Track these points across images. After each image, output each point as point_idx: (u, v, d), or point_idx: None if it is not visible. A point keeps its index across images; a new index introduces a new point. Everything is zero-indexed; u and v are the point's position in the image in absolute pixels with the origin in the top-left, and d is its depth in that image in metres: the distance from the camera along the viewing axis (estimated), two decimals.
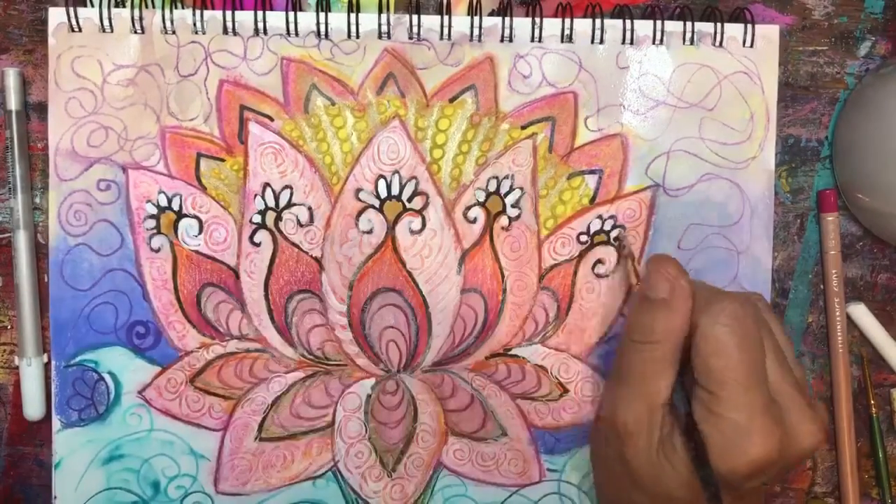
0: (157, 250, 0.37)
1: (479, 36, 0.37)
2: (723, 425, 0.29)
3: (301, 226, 0.37)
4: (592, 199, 0.38)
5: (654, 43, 0.37)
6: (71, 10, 0.36)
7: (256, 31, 0.37)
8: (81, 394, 0.37)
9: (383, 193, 0.38)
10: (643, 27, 0.37)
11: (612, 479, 0.34)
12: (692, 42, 0.37)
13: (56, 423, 0.38)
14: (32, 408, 0.38)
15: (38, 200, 0.38)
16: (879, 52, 0.39)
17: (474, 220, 0.38)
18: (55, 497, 0.38)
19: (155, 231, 0.37)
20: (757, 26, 0.37)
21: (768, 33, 0.38)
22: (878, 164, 0.36)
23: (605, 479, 0.35)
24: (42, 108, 0.37)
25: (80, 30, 0.36)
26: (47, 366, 0.38)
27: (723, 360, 0.30)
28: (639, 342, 0.32)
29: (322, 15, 0.37)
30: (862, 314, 0.40)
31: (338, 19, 0.37)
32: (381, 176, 0.38)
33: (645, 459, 0.31)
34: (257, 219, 0.37)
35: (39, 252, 0.38)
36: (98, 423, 0.38)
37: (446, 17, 0.37)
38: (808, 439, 0.30)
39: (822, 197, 0.39)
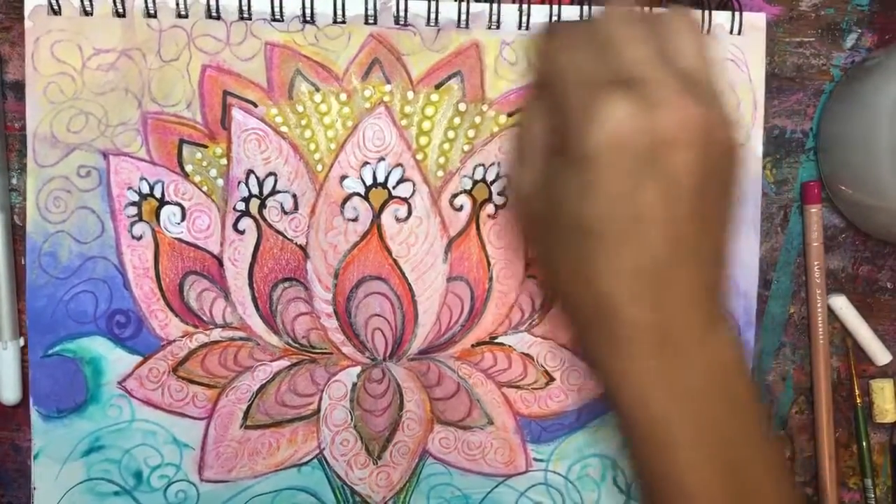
0: (139, 238, 0.34)
1: (466, 22, 0.34)
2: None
3: (285, 213, 0.34)
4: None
5: None
6: None
7: (240, 15, 0.33)
8: (60, 384, 0.34)
9: (369, 181, 0.34)
10: None
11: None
12: None
13: (34, 413, 0.34)
14: (8, 392, 0.34)
15: (14, 182, 0.35)
16: (865, 45, 0.37)
17: (461, 208, 0.35)
18: (34, 488, 0.34)
19: (137, 218, 0.34)
20: (744, 14, 0.35)
21: (755, 21, 0.35)
22: (861, 157, 0.34)
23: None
24: (18, 88, 0.34)
25: (59, 12, 0.33)
26: (24, 349, 0.35)
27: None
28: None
29: None
30: (843, 306, 0.38)
31: (323, 4, 0.34)
32: (367, 163, 0.34)
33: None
34: (241, 206, 0.34)
35: (15, 234, 0.34)
36: (77, 414, 0.34)
37: (433, 3, 0.34)
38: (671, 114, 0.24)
39: (806, 189, 0.37)
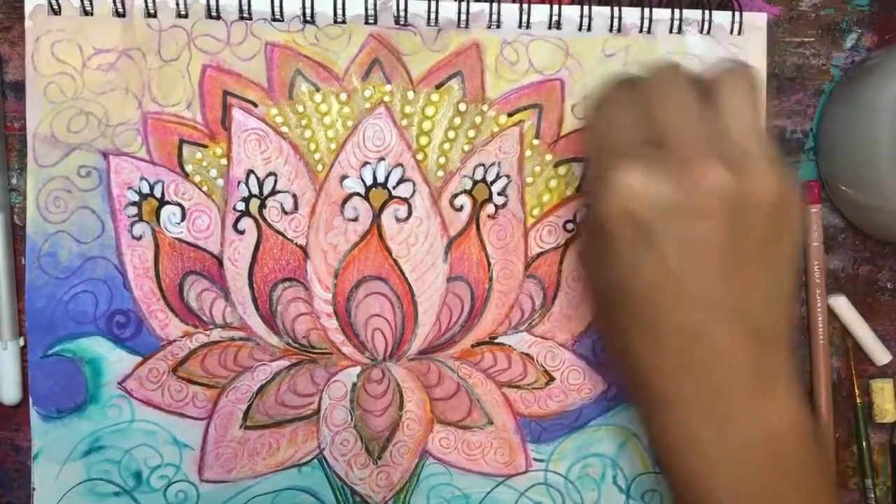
0: (139, 238, 0.34)
1: (466, 21, 0.34)
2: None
3: (285, 213, 0.34)
4: (579, 188, 0.35)
5: (640, 31, 0.34)
6: None
7: (240, 15, 0.33)
8: (59, 384, 0.34)
9: (369, 181, 0.34)
10: (630, 15, 0.34)
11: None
12: (679, 30, 0.34)
13: (34, 414, 0.34)
14: (8, 392, 0.34)
15: (14, 182, 0.34)
16: (865, 45, 0.36)
17: (461, 208, 0.35)
18: (34, 489, 0.34)
19: (137, 218, 0.34)
20: (745, 14, 0.34)
21: (756, 21, 0.35)
22: (861, 157, 0.34)
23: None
24: (18, 88, 0.34)
25: (58, 12, 0.32)
26: (24, 350, 0.34)
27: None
28: None
29: None
30: (843, 306, 0.37)
31: (323, 4, 0.33)
32: (367, 163, 0.34)
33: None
34: (241, 206, 0.34)
35: (15, 234, 0.34)
36: (77, 414, 0.34)
37: (432, 3, 0.34)
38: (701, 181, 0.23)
39: (806, 189, 0.37)
